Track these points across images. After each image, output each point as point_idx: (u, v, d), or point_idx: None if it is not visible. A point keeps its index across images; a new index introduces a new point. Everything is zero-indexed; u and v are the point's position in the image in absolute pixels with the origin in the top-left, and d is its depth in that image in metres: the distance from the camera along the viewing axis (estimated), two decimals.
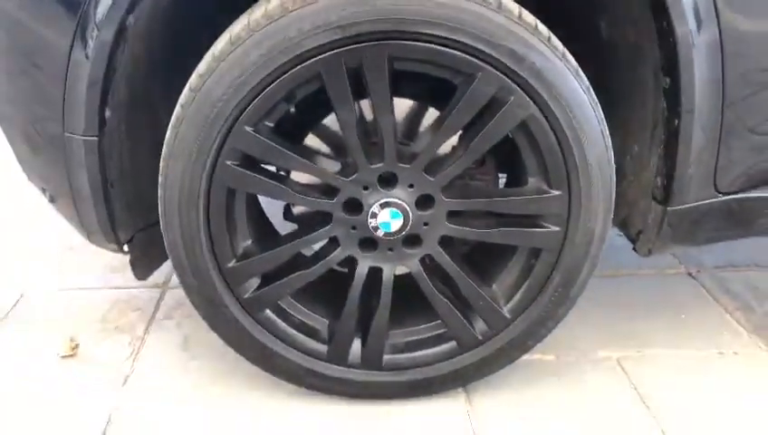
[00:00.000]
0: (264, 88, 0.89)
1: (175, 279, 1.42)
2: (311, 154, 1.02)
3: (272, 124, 0.95)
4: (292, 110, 1.02)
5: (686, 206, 1.04)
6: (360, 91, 0.92)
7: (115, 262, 1.52)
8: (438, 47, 0.88)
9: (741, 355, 1.25)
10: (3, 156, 2.12)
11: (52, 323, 1.33)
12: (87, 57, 0.90)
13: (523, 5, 0.92)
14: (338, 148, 1.09)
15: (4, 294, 1.43)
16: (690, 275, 1.52)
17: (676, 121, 0.96)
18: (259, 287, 1.03)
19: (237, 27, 0.89)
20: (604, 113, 0.98)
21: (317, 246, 1.05)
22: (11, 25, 0.95)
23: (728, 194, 1.05)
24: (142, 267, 1.15)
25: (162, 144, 0.95)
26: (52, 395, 1.14)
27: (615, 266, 1.53)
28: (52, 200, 1.09)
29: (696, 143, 0.98)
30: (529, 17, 0.89)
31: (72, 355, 1.23)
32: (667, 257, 1.57)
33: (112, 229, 1.05)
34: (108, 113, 0.95)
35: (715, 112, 0.96)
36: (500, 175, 1.17)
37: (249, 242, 1.03)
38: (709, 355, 1.25)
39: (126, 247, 1.11)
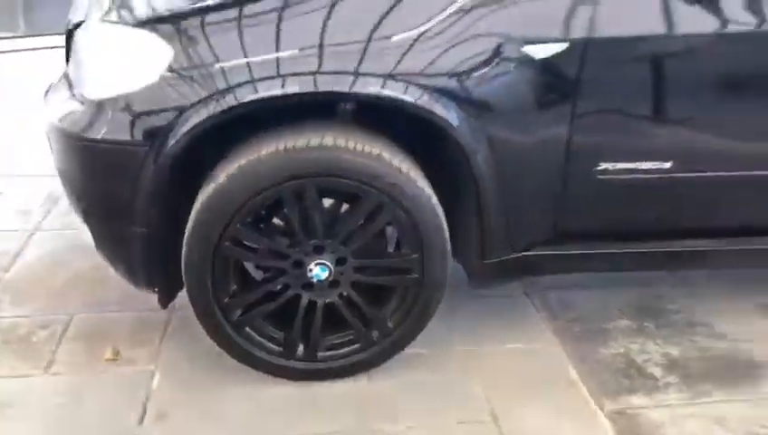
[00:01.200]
0: (247, 202, 1.58)
1: (180, 305, 2.08)
2: (274, 234, 1.71)
3: (251, 219, 1.64)
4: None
5: (494, 260, 1.78)
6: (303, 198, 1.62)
7: (135, 292, 2.14)
8: (345, 180, 1.58)
9: (538, 349, 1.99)
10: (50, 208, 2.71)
11: (96, 336, 1.98)
12: (153, 172, 1.55)
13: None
14: (290, 228, 1.77)
15: (58, 316, 2.06)
16: (525, 293, 2.27)
17: (482, 211, 1.70)
18: (242, 314, 1.72)
19: (232, 168, 1.57)
20: (456, 206, 1.70)
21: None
22: (103, 151, 1.59)
23: (519, 252, 1.79)
24: (165, 300, 1.81)
25: (179, 230, 1.62)
26: (107, 386, 1.79)
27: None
28: (112, 264, 1.75)
29: (493, 223, 1.71)
30: (395, 161, 1.60)
31: (115, 359, 1.89)
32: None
33: (151, 281, 1.72)
34: (153, 212, 1.62)
35: (501, 205, 1.69)
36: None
37: (236, 287, 1.71)
38: (523, 349, 1.99)
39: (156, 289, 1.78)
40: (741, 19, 1.64)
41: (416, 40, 1.55)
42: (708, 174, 1.73)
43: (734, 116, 1.71)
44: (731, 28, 1.62)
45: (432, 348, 1.94)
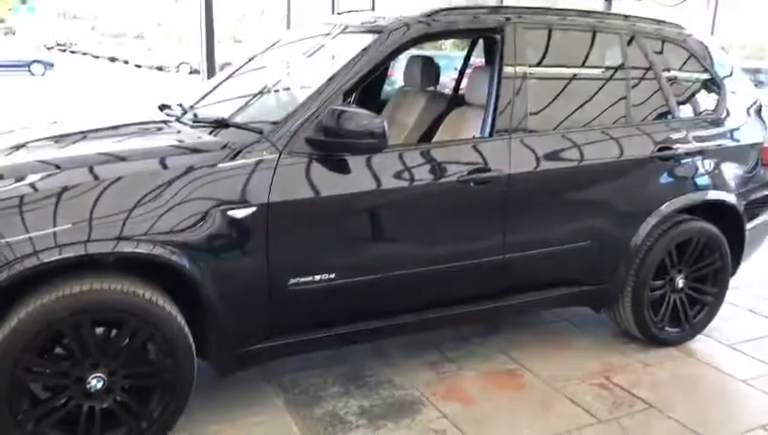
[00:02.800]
0: (35, 338, 2.16)
1: None
2: (58, 359, 2.29)
3: (39, 350, 2.21)
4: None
5: (229, 356, 2.53)
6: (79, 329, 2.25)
7: None
8: (110, 313, 2.25)
9: (272, 418, 2.74)
10: None
11: None
12: None
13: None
14: (72, 353, 2.35)
15: None
16: (266, 380, 3.03)
17: (215, 322, 2.46)
18: (34, 425, 2.24)
19: (22, 313, 2.15)
20: (201, 320, 2.43)
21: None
22: None
23: (247, 347, 2.57)
24: None
25: None
26: None
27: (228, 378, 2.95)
28: None
29: (223, 329, 2.47)
30: (147, 295, 2.31)
31: None
32: (260, 369, 3.07)
33: None
34: None
35: (228, 316, 2.46)
36: None
37: (28, 404, 2.24)
38: (261, 420, 2.72)
39: None
40: (360, 183, 2.63)
41: (155, 211, 2.30)
42: (360, 278, 2.69)
43: (365, 245, 2.69)
44: (357, 190, 2.62)
45: (191, 430, 2.60)
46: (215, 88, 3.41)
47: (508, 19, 3.02)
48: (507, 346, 3.38)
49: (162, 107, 3.23)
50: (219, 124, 2.74)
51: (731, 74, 3.68)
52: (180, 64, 28.73)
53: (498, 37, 3.00)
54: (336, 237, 2.63)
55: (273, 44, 3.63)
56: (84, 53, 37.80)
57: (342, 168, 2.59)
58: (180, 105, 3.17)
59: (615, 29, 3.32)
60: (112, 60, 34.09)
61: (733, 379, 3.17)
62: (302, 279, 2.57)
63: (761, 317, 3.90)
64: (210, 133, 2.71)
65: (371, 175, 2.63)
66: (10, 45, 23.44)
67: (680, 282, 3.38)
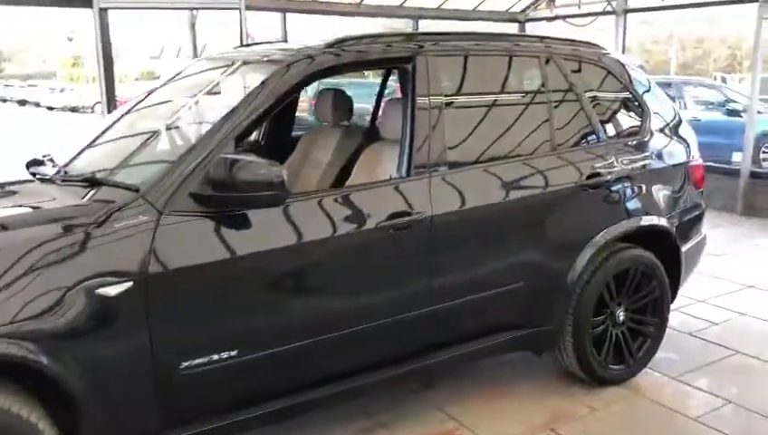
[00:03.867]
0: None
1: None
2: None
3: None
4: None
5: None
6: None
7: None
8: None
9: None
10: None
11: None
12: None
13: None
14: None
15: None
16: None
17: (91, 423, 2.03)
18: None
19: None
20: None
21: None
22: None
23: None
24: None
25: None
26: None
27: None
28: None
29: (102, 429, 2.05)
30: None
31: None
32: None
33: None
34: None
35: (106, 413, 2.03)
36: None
37: None
38: None
39: None
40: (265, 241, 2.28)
41: (2, 296, 1.87)
42: (270, 351, 2.31)
43: (273, 313, 2.32)
44: (257, 249, 2.24)
45: None
46: (101, 134, 2.98)
47: (421, 47, 2.76)
48: (443, 401, 3.07)
49: (31, 163, 2.78)
50: (90, 183, 2.33)
51: (651, 92, 3.54)
52: (95, 104, 27.49)
53: (410, 67, 2.72)
54: (236, 308, 2.26)
55: (173, 78, 3.24)
56: None
57: (238, 225, 2.23)
58: (51, 160, 2.73)
59: (532, 52, 3.12)
60: (22, 103, 32.36)
61: (685, 418, 2.95)
62: (197, 361, 2.19)
63: (702, 341, 3.75)
64: (80, 195, 2.29)
65: (274, 230, 2.29)
66: None
67: (621, 315, 3.17)
